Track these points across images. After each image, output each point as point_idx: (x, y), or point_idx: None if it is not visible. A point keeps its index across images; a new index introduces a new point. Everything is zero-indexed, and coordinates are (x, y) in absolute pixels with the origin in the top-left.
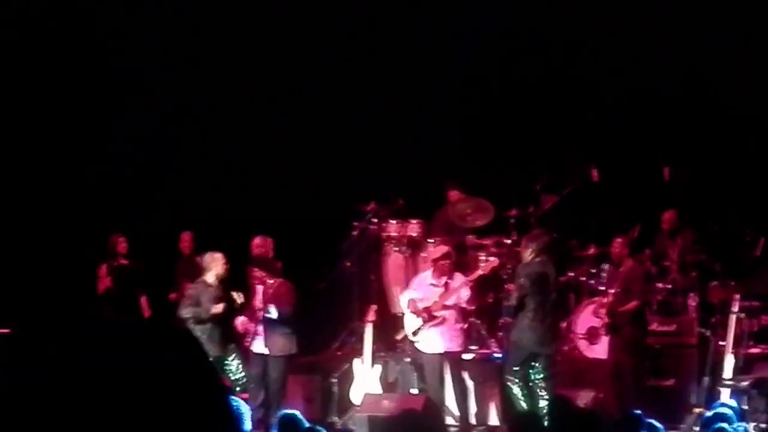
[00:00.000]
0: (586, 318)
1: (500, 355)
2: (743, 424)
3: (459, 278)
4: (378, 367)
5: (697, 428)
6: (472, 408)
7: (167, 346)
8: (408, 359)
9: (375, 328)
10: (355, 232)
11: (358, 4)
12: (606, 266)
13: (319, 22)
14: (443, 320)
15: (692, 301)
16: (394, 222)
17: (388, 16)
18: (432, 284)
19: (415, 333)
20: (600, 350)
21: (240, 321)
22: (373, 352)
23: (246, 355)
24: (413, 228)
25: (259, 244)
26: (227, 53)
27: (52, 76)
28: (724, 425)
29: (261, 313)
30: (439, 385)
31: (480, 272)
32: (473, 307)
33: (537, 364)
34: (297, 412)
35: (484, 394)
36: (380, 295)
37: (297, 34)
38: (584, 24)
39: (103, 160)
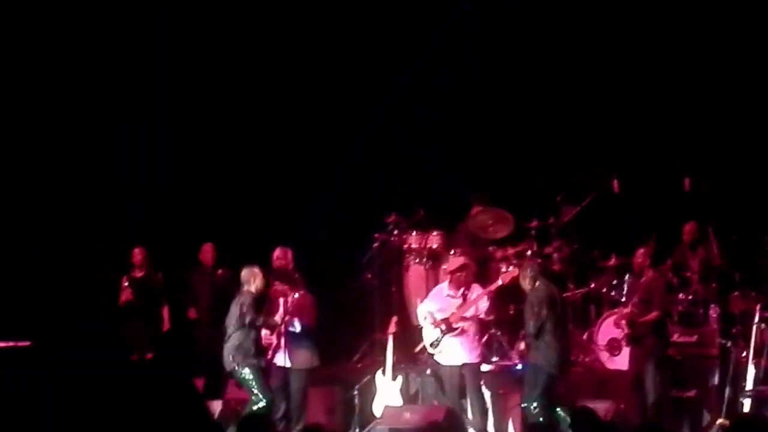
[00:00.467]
0: (607, 329)
1: (520, 367)
2: None
3: (477, 289)
4: (399, 379)
5: None
6: (491, 420)
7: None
8: (429, 371)
9: (396, 340)
10: (375, 244)
11: (388, 19)
12: (627, 277)
13: (344, 37)
14: (462, 331)
15: (713, 312)
16: (415, 234)
17: (414, 27)
18: (449, 296)
19: (433, 345)
20: (621, 361)
21: (261, 334)
22: (395, 364)
23: (268, 368)
24: (434, 239)
25: (279, 255)
26: (237, 67)
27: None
28: None
29: (283, 326)
30: (458, 397)
31: (499, 283)
32: (492, 318)
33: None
34: (319, 424)
35: (503, 405)
36: (401, 307)
37: (320, 49)
38: (606, 36)
39: (125, 173)
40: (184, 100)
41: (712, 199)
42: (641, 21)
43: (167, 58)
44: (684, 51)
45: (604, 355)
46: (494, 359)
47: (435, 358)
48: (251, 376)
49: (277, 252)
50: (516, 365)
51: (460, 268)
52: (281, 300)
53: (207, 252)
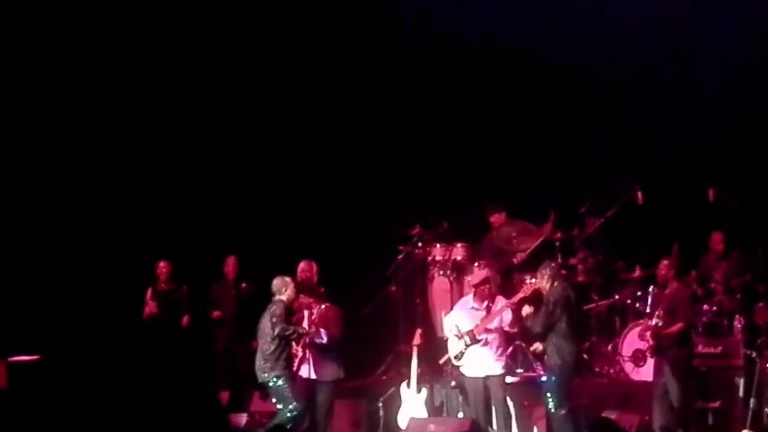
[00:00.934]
0: (632, 340)
1: (545, 378)
2: None
3: (501, 301)
4: (424, 391)
5: None
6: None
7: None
8: (453, 383)
9: (421, 352)
10: (400, 257)
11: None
12: (651, 288)
13: (364, 49)
14: (486, 343)
15: (738, 323)
16: (439, 246)
17: (440, 40)
18: (474, 308)
19: (457, 357)
20: (646, 372)
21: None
22: (419, 376)
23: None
24: (458, 251)
25: (304, 268)
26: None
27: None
28: None
29: (308, 338)
30: (483, 409)
31: (521, 295)
32: (516, 330)
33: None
34: None
35: (528, 417)
36: (426, 319)
37: (337, 61)
38: (630, 47)
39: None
40: (189, 103)
41: (736, 210)
42: (663, 30)
43: (168, 58)
44: (708, 62)
45: (628, 366)
46: (519, 371)
47: (460, 369)
48: (286, 385)
49: (302, 265)
50: (541, 377)
51: (484, 281)
52: (306, 312)
53: (230, 265)
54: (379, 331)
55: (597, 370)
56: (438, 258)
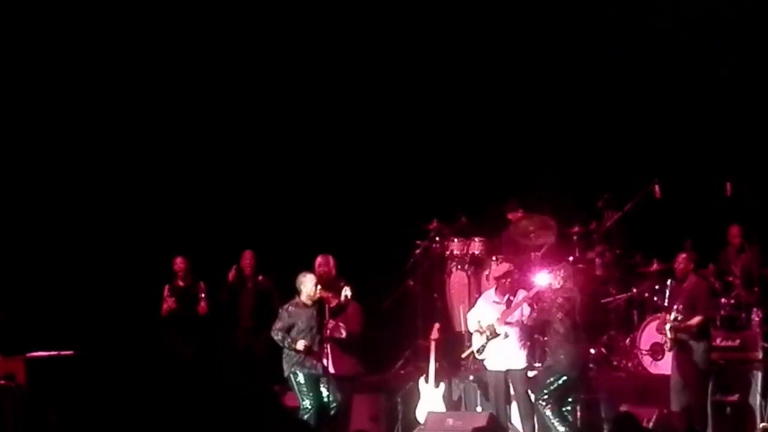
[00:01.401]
0: (650, 334)
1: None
2: None
3: (521, 295)
4: (442, 386)
5: None
6: (536, 425)
7: None
8: (472, 377)
9: (439, 346)
10: (418, 251)
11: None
12: (669, 282)
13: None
14: (506, 336)
15: (756, 316)
16: (457, 240)
17: (458, 37)
18: (495, 302)
19: (479, 351)
20: (664, 366)
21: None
22: (437, 371)
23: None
24: (476, 246)
25: (321, 263)
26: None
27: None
28: None
29: (328, 334)
30: (504, 403)
31: (539, 289)
32: (534, 324)
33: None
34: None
35: None
36: (444, 314)
37: (357, 60)
38: (646, 42)
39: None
40: (205, 96)
41: (754, 204)
42: (679, 26)
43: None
44: (723, 54)
45: (647, 360)
46: (537, 365)
47: (483, 363)
48: (305, 381)
49: (319, 259)
50: None
51: (505, 275)
52: (326, 306)
53: (247, 258)
54: (397, 326)
55: (615, 363)
56: (456, 252)
